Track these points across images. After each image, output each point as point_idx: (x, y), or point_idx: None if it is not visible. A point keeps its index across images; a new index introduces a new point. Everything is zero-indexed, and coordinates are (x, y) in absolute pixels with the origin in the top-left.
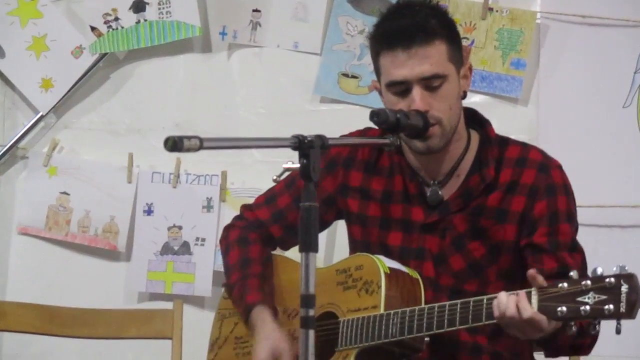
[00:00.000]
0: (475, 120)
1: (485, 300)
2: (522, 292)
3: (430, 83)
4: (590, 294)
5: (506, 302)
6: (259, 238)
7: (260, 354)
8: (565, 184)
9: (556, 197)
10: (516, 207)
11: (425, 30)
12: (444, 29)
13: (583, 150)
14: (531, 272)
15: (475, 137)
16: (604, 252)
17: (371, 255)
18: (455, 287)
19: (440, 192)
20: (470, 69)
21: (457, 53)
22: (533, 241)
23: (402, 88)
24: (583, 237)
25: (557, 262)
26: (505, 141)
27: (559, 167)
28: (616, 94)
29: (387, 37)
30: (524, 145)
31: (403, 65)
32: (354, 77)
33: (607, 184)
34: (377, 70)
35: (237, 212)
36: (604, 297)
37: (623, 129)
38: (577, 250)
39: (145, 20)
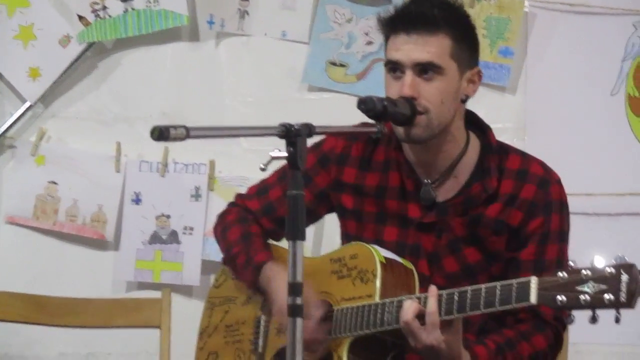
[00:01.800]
0: (475, 124)
1: (483, 288)
2: (430, 301)
3: (424, 71)
4: (590, 283)
5: (408, 307)
6: (256, 221)
7: (284, 302)
8: (562, 200)
9: (550, 216)
10: (513, 220)
11: (429, 20)
12: (451, 25)
13: (571, 138)
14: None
15: (474, 141)
16: (593, 240)
17: (366, 245)
18: (446, 288)
19: (433, 192)
20: (479, 75)
21: (465, 54)
22: (519, 257)
23: (396, 70)
24: (571, 225)
25: None
26: (505, 149)
27: (558, 181)
28: (604, 81)
29: (392, 22)
30: (523, 156)
31: (401, 47)
32: (342, 65)
33: (595, 172)
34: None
35: (225, 201)
36: (603, 286)
37: (611, 117)
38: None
39: (133, 9)
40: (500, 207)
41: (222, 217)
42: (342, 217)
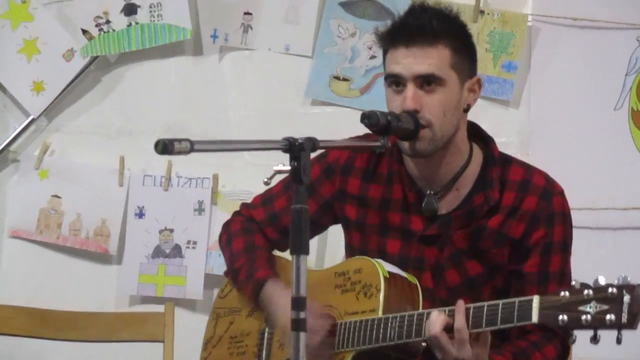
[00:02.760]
0: (478, 136)
1: (486, 306)
2: (457, 317)
3: (426, 83)
4: (592, 304)
5: (435, 320)
6: (260, 231)
7: (287, 321)
8: (564, 212)
9: (553, 228)
10: (514, 233)
11: (428, 32)
12: (451, 36)
13: (574, 153)
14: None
15: (478, 153)
16: (595, 254)
17: (370, 259)
18: (448, 301)
19: (435, 203)
20: (479, 83)
21: (465, 64)
22: (522, 270)
23: (397, 83)
24: (574, 239)
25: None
26: (508, 160)
27: (561, 193)
28: (607, 96)
29: (391, 35)
30: (526, 168)
31: (401, 60)
32: (345, 79)
33: (598, 187)
34: (384, 67)
35: (229, 215)
36: (605, 307)
37: (614, 132)
38: (565, 283)
39: (137, 23)
40: (502, 219)
41: (227, 226)
42: (346, 229)
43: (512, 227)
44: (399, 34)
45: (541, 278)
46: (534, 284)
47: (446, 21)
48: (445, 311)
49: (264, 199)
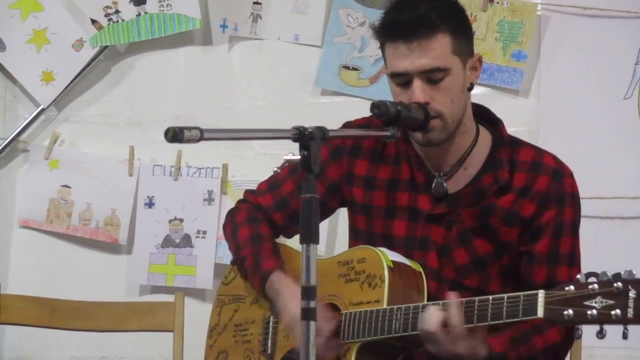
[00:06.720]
0: (486, 117)
1: (491, 300)
2: (454, 311)
3: (432, 76)
4: (598, 299)
5: (432, 316)
6: (265, 219)
7: (294, 314)
8: (574, 193)
9: (564, 208)
10: (525, 212)
11: (427, 24)
12: (448, 21)
13: (584, 142)
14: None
15: (485, 134)
16: (605, 243)
17: (374, 248)
18: (456, 280)
19: (445, 185)
20: (480, 60)
21: (464, 45)
22: (532, 250)
23: (403, 80)
24: (584, 229)
25: (547, 276)
26: (516, 142)
27: (571, 174)
28: (617, 85)
29: (389, 30)
30: (536, 149)
31: (404, 57)
32: (354, 69)
33: (608, 176)
34: (384, 59)
35: None
36: (611, 302)
37: (624, 121)
38: (574, 265)
39: (146, 13)
40: (513, 198)
41: (232, 215)
42: (351, 212)
43: (522, 206)
44: (397, 29)
45: (551, 259)
46: (544, 265)
47: (441, 7)
48: (442, 305)
49: (270, 184)
